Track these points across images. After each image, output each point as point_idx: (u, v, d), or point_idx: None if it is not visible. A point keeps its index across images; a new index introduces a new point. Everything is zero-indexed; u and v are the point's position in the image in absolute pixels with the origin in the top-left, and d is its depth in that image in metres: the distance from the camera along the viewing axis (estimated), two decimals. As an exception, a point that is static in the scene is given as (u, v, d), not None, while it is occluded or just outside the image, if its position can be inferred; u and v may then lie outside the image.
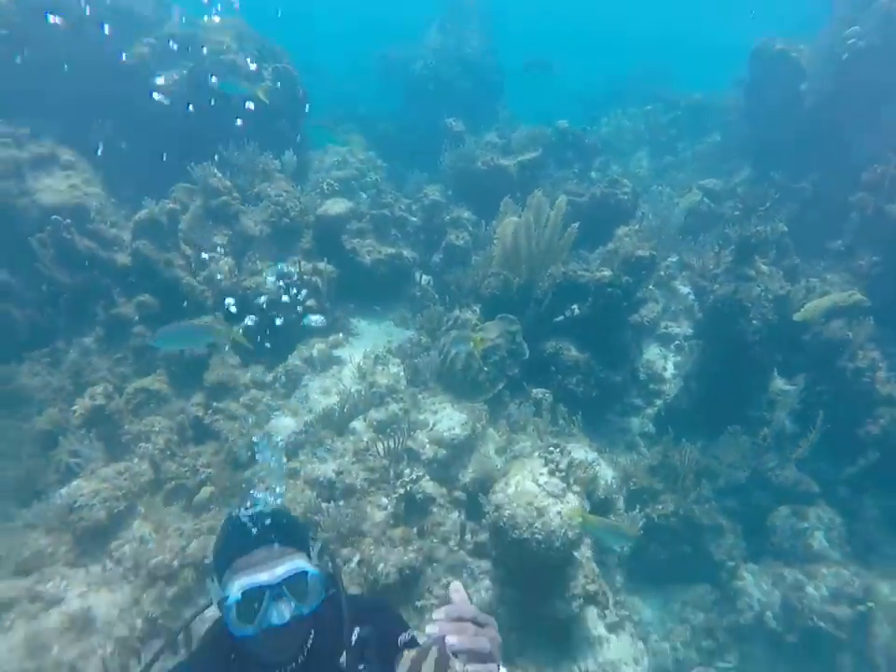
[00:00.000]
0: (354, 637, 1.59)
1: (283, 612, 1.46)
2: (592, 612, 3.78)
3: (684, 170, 10.86)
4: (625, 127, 12.83)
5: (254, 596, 1.47)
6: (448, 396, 5.47)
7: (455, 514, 4.53)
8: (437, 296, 6.76)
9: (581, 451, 4.88)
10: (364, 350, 5.95)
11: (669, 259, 7.48)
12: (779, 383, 6.11)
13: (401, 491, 4.07)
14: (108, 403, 4.97)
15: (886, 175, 6.47)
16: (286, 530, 1.62)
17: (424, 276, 7.15)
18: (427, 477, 4.71)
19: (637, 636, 3.94)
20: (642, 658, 3.76)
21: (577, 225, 6.38)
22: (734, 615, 5.06)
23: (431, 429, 5.01)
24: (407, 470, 4.43)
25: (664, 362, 6.62)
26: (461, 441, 4.90)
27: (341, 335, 6.07)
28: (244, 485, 4.49)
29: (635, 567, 5.11)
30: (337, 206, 6.95)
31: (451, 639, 1.06)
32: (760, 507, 5.82)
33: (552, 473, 3.75)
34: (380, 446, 4.41)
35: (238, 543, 1.56)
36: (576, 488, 3.78)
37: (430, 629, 1.09)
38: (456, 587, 1.19)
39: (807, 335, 5.79)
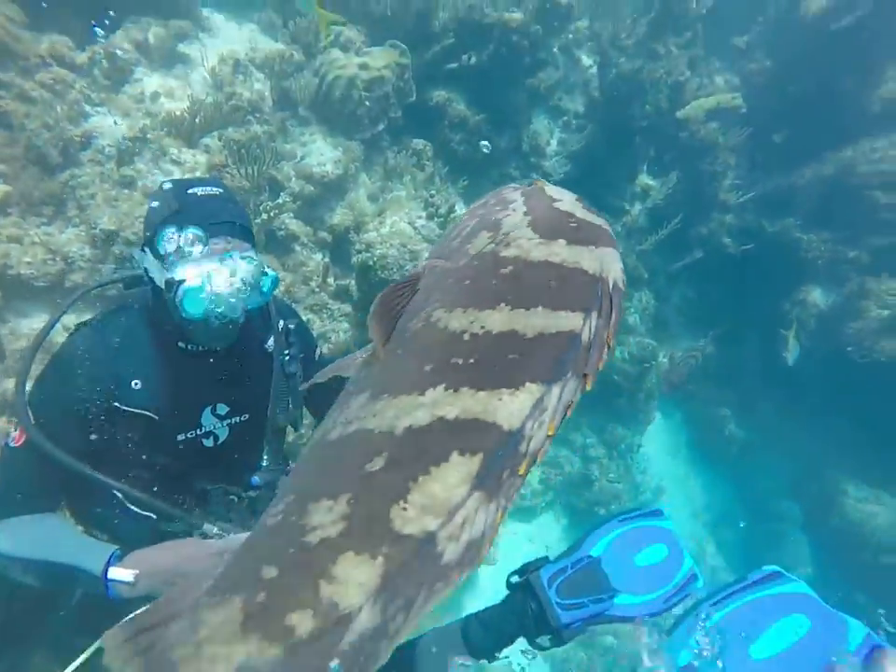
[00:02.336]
0: (280, 325, 1.66)
1: (236, 307, 1.39)
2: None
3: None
4: None
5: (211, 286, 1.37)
6: (321, 128, 4.79)
7: (320, 255, 4.32)
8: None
9: (459, 207, 4.77)
10: (220, 52, 4.76)
11: (581, 23, 6.77)
12: (645, 177, 6.39)
13: (264, 217, 3.65)
14: None
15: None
16: (242, 217, 1.49)
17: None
18: (291, 214, 4.30)
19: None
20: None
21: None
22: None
23: (299, 162, 4.43)
24: (270, 202, 3.96)
25: (549, 137, 6.42)
26: (332, 179, 4.45)
27: (189, 23, 4.71)
28: (63, 195, 3.66)
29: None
30: None
31: None
32: (596, 287, 6.52)
33: (430, 218, 3.61)
34: (239, 166, 3.78)
35: (193, 222, 1.38)
36: (450, 240, 3.72)
37: None
38: None
39: (685, 132, 5.92)
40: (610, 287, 0.75)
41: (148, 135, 3.75)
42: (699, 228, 6.54)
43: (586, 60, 6.74)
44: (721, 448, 7.09)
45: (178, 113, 3.98)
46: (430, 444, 0.64)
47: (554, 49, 6.42)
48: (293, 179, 4.32)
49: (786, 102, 6.17)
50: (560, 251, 0.77)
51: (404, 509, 0.60)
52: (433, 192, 3.82)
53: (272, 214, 3.73)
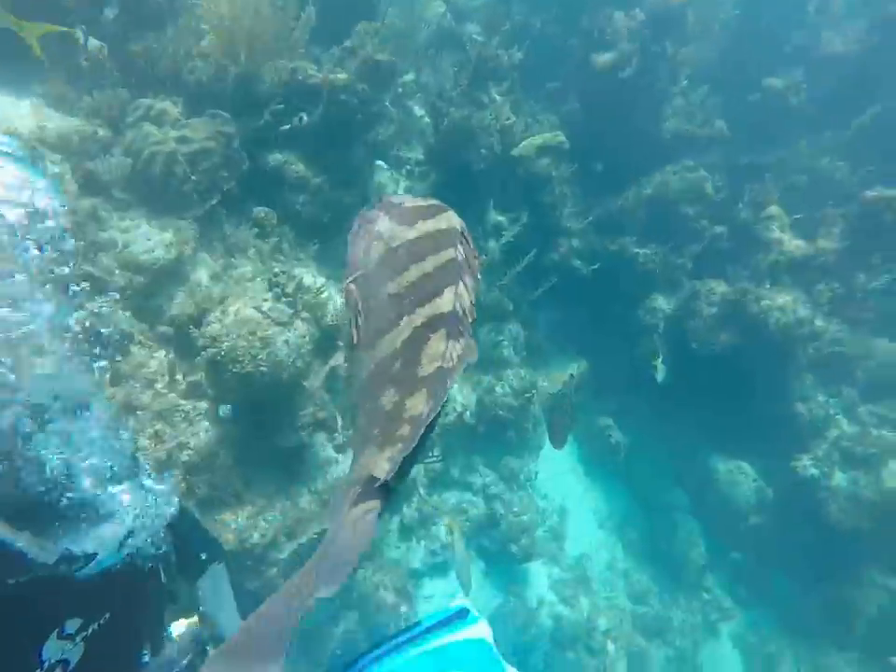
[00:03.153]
0: None
1: None
2: (321, 437, 3.80)
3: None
4: None
5: None
6: (143, 210, 4.31)
7: (162, 353, 3.83)
8: (116, 72, 4.98)
9: (308, 276, 4.53)
10: (-4, 135, 4.11)
11: (408, 77, 6.97)
12: (494, 214, 6.64)
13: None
14: None
15: (596, 22, 6.91)
16: None
17: (92, 39, 5.11)
18: (120, 310, 3.78)
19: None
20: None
21: (314, 10, 5.27)
22: (440, 418, 5.87)
23: (122, 251, 3.93)
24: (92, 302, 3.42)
25: (395, 186, 6.44)
26: (165, 265, 4.00)
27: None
28: None
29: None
30: None
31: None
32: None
33: (277, 298, 3.34)
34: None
35: None
36: (304, 314, 3.48)
37: None
38: None
39: (521, 169, 6.27)
40: (461, 229, 1.25)
41: None
42: (551, 254, 6.92)
43: (418, 110, 6.92)
44: (609, 456, 7.46)
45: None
46: (418, 340, 1.11)
47: (386, 103, 6.51)
48: (117, 272, 3.81)
49: (599, 136, 6.83)
50: (423, 225, 1.25)
51: (421, 368, 1.09)
52: (277, 272, 3.57)
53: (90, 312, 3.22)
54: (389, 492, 1.03)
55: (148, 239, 4.12)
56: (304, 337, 3.35)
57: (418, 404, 1.04)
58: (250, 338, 3.08)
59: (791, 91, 7.05)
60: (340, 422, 4.09)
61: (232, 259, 4.49)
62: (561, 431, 4.41)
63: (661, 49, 6.55)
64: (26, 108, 4.60)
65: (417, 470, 5.55)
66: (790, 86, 7.04)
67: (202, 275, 4.33)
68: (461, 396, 5.97)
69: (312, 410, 3.61)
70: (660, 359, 5.69)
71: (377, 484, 0.99)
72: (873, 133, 7.55)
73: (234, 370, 3.07)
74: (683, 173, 6.64)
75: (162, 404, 3.65)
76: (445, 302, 1.11)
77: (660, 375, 5.68)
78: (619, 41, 6.36)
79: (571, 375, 4.98)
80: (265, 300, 3.33)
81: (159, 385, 3.72)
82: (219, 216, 4.74)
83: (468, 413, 5.90)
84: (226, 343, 3.08)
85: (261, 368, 3.09)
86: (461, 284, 1.14)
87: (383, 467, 1.00)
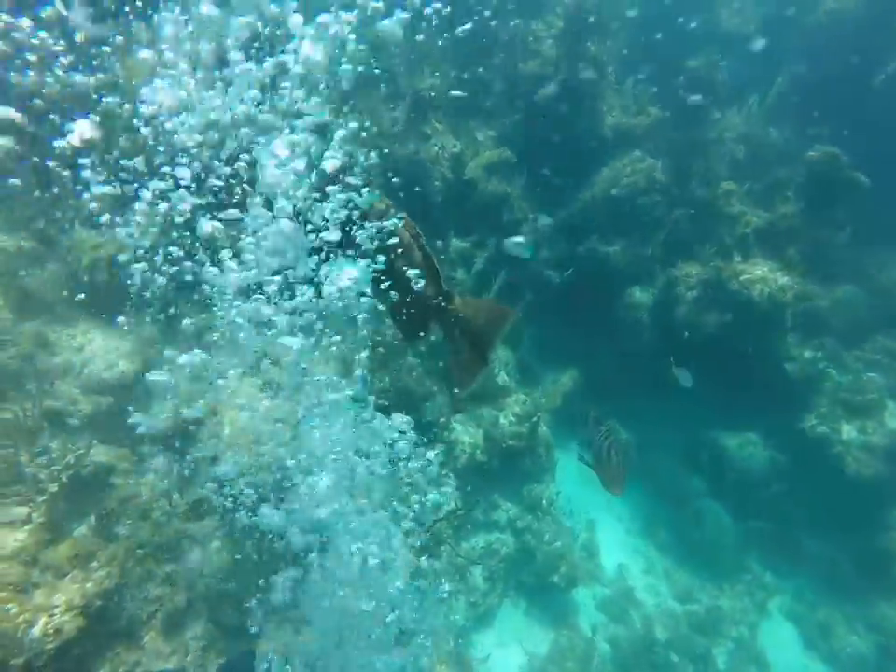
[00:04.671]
0: None
1: None
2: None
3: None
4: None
5: None
6: (95, 321, 3.90)
7: (150, 475, 3.41)
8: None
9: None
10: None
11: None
12: (456, 242, 6.46)
13: (57, 468, 2.71)
14: None
15: (517, 35, 6.90)
16: None
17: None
18: (95, 441, 3.35)
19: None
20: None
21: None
22: (453, 462, 5.57)
23: (81, 374, 3.51)
24: (54, 444, 3.01)
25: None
26: (131, 375, 3.59)
27: None
28: None
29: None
30: None
31: None
32: (454, 360, 6.35)
33: (264, 387, 3.01)
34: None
35: None
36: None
37: None
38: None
39: (475, 192, 6.12)
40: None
41: None
42: (521, 271, 6.78)
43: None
44: (621, 457, 7.31)
45: None
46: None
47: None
48: (81, 400, 3.38)
49: (542, 144, 6.77)
50: None
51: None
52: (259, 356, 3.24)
53: (68, 462, 2.81)
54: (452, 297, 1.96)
55: (107, 353, 3.71)
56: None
57: (417, 258, 1.94)
58: (254, 450, 2.74)
59: (712, 67, 7.22)
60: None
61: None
62: (620, 474, 3.46)
63: (584, 49, 6.58)
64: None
65: (441, 525, 5.21)
66: (709, 63, 7.21)
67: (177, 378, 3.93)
68: (467, 436, 5.70)
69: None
70: (680, 367, 5.47)
71: (443, 293, 1.92)
72: (790, 97, 7.84)
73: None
74: (634, 164, 6.65)
75: (166, 533, 3.24)
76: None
77: (685, 381, 5.34)
78: (543, 49, 6.35)
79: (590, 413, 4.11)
80: (260, 398, 2.99)
81: (156, 514, 3.30)
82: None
83: (478, 451, 5.63)
84: (231, 459, 2.73)
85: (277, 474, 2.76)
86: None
87: (436, 290, 1.93)
